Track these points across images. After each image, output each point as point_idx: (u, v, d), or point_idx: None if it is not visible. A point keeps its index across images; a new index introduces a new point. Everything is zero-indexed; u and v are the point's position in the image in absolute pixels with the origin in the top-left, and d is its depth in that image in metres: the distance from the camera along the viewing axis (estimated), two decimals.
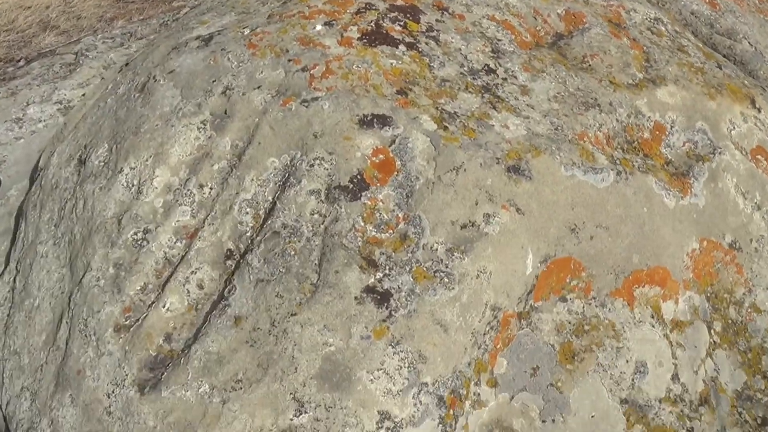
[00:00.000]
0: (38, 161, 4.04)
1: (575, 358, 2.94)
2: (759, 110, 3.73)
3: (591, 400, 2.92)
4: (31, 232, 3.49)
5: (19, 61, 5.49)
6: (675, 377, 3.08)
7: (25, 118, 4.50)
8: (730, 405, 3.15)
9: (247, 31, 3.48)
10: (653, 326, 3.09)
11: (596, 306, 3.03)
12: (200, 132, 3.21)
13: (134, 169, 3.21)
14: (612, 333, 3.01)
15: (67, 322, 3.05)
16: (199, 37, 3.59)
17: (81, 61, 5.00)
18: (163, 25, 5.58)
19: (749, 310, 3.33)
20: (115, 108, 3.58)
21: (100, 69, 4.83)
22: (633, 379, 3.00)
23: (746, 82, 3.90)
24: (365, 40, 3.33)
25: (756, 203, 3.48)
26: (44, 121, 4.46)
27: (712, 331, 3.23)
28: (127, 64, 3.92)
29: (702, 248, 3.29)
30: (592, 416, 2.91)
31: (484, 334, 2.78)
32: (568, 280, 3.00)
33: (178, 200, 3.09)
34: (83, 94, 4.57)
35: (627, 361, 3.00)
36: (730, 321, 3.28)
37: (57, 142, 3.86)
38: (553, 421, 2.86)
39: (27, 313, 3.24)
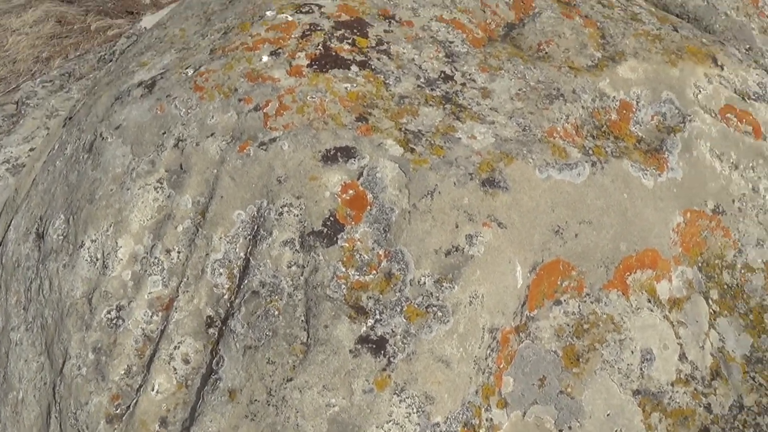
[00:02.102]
0: None
1: (580, 359, 2.86)
2: (722, 67, 3.64)
3: (603, 399, 2.85)
4: (1, 318, 3.34)
5: None
6: (682, 357, 3.02)
7: None
8: (741, 372, 3.09)
9: (190, 72, 3.32)
10: (652, 310, 3.03)
11: (591, 302, 2.95)
12: (158, 192, 3.07)
13: (95, 241, 3.07)
14: (612, 326, 2.94)
15: (56, 416, 2.93)
16: (141, 83, 3.42)
17: (23, 111, 4.83)
18: (101, 61, 5.41)
19: (743, 271, 3.28)
20: (66, 172, 3.42)
21: (44, 119, 4.66)
22: (641, 368, 2.93)
23: (704, 40, 3.82)
24: (315, 66, 3.19)
25: (732, 162, 3.42)
26: None
27: (710, 301, 3.17)
28: (70, 118, 3.75)
29: (686, 220, 3.23)
30: (608, 414, 2.84)
31: (486, 357, 2.70)
32: (559, 283, 2.92)
33: (146, 270, 2.96)
34: (30, 150, 4.40)
35: (632, 352, 2.93)
36: (725, 286, 3.23)
37: (11, 213, 3.70)
38: (570, 428, 2.79)
39: (13, 407, 3.11)
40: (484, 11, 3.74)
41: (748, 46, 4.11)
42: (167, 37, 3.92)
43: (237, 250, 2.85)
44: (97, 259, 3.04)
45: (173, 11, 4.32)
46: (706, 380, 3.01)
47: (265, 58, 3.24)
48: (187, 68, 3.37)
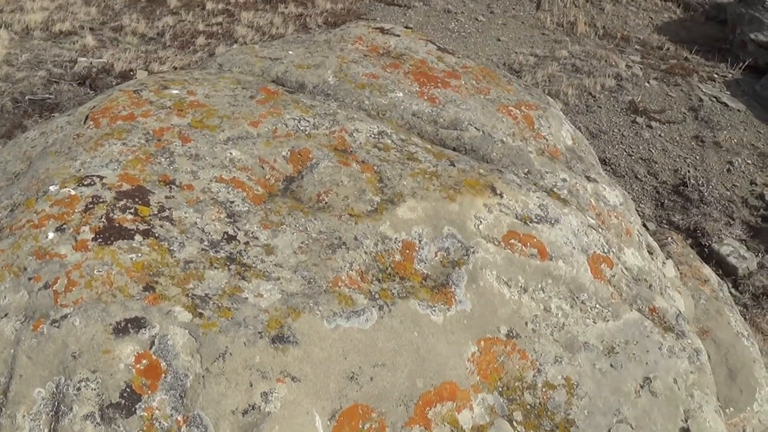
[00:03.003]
0: None
1: None
2: (501, 195, 4.05)
3: None
4: None
5: None
6: None
7: None
8: None
9: None
10: None
11: None
12: None
13: None
14: None
15: None
16: None
17: None
18: None
19: (544, 390, 3.58)
20: None
21: None
22: None
23: (482, 170, 4.22)
24: (100, 239, 3.43)
25: (521, 287, 3.77)
26: None
27: (514, 423, 3.45)
28: None
29: (481, 349, 3.54)
30: None
31: None
32: (361, 426, 3.16)
33: None
34: None
35: None
36: (528, 406, 3.52)
37: None
38: None
39: None
40: (263, 167, 4.09)
41: (526, 169, 4.52)
42: None
43: (41, 426, 2.99)
44: None
45: None
46: None
47: (51, 235, 3.46)
48: None
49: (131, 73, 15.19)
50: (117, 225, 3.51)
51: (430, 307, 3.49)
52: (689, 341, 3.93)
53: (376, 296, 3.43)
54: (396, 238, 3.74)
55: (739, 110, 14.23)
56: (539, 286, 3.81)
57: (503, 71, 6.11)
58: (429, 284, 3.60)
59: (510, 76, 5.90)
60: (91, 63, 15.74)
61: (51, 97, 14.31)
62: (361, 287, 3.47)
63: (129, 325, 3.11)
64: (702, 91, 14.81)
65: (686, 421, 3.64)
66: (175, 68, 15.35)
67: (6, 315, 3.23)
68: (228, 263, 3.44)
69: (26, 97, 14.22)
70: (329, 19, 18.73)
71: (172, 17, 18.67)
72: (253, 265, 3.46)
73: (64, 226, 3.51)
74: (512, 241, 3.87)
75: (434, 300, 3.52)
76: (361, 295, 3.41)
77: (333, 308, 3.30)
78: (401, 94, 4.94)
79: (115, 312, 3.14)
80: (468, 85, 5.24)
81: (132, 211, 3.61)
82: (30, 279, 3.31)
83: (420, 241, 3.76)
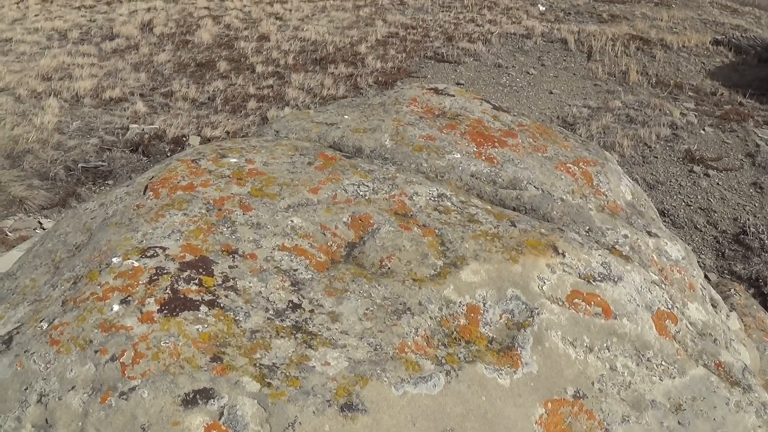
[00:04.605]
0: None
1: None
2: (563, 255, 4.06)
3: None
4: None
5: None
6: None
7: None
8: None
9: (45, 325, 3.55)
10: None
11: None
12: None
13: None
14: None
15: None
16: None
17: None
18: None
19: None
20: None
21: None
22: None
23: (543, 230, 4.23)
24: (165, 311, 3.47)
25: (587, 346, 3.76)
26: None
27: None
28: None
29: (548, 410, 3.53)
30: None
31: None
32: None
33: None
34: None
35: None
36: None
37: None
38: None
39: None
40: (325, 234, 4.13)
41: (587, 227, 4.53)
42: (19, 288, 4.17)
43: None
44: None
45: (22, 260, 4.57)
46: None
47: (116, 307, 3.51)
48: (41, 321, 3.60)
49: (184, 138, 15.37)
50: (182, 296, 3.55)
51: (497, 370, 3.50)
52: (756, 395, 3.91)
53: (443, 361, 3.45)
54: (460, 302, 3.75)
55: None
56: (604, 345, 3.80)
57: (559, 127, 6.13)
58: (495, 347, 3.61)
59: (566, 131, 5.92)
60: (143, 129, 15.94)
61: (104, 164, 14.51)
62: (428, 352, 3.48)
63: (198, 396, 3.14)
64: (758, 136, 14.77)
65: None
66: (228, 133, 15.50)
67: (73, 388, 3.26)
68: (294, 332, 3.47)
69: (79, 165, 14.44)
70: (380, 79, 18.85)
71: (222, 81, 18.91)
72: (319, 333, 3.48)
73: (129, 298, 3.55)
74: (576, 300, 3.86)
75: (500, 363, 3.53)
76: (427, 361, 3.42)
77: (400, 374, 3.31)
78: (459, 155, 4.98)
79: (184, 383, 3.17)
80: (525, 144, 5.26)
81: (196, 281, 3.65)
82: (96, 352, 3.34)
83: (484, 304, 3.77)
